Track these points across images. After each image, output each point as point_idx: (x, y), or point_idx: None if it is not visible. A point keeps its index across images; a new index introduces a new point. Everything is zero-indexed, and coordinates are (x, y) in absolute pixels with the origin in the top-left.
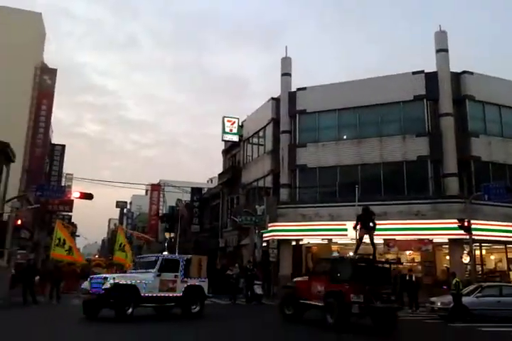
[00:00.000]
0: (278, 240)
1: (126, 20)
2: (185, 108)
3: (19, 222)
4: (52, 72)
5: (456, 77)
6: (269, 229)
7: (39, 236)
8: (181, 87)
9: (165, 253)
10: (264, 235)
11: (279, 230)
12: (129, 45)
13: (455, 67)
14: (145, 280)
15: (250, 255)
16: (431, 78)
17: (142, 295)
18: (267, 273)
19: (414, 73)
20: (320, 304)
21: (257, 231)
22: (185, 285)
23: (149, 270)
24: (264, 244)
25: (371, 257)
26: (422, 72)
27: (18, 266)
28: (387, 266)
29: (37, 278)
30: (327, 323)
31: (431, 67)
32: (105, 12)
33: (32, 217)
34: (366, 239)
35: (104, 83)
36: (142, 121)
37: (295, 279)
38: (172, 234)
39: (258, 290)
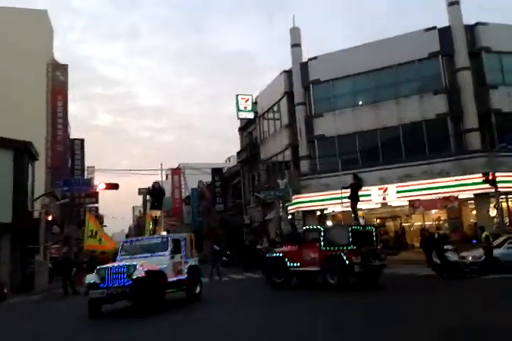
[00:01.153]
0: (303, 211)
1: (125, 10)
2: (195, 90)
3: (50, 217)
4: (64, 68)
5: (471, 30)
6: (294, 201)
7: (69, 229)
8: (189, 69)
9: (163, 233)
10: (288, 208)
11: (304, 202)
12: (131, 35)
13: (469, 18)
14: (164, 264)
15: (277, 228)
16: (444, 33)
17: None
18: None
19: (426, 30)
20: (315, 269)
21: (281, 205)
22: (187, 266)
23: (158, 253)
24: (289, 217)
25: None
26: (435, 28)
27: (53, 260)
28: (369, 229)
29: (74, 269)
30: (329, 285)
31: (443, 21)
32: (104, 4)
33: (60, 212)
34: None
35: (111, 74)
36: (154, 107)
37: (278, 249)
38: (159, 213)
39: None
